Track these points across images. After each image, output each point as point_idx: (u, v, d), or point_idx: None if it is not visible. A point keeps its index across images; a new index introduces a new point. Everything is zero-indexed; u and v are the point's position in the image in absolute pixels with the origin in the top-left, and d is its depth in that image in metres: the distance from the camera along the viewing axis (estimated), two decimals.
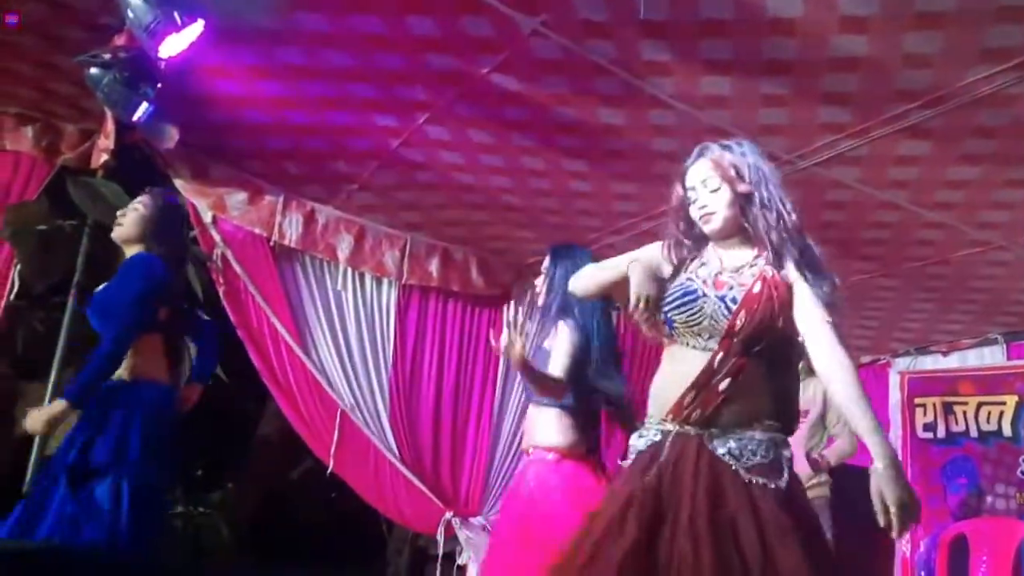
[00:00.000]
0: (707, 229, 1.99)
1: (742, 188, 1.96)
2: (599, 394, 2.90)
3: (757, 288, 1.87)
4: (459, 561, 4.56)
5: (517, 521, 2.81)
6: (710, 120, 3.01)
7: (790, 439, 1.92)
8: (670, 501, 1.78)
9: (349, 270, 4.30)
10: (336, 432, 4.19)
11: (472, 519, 4.53)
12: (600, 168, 3.49)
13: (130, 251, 2.87)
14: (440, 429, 4.50)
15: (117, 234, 2.89)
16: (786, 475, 1.81)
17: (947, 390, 5.19)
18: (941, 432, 5.17)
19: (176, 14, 2.39)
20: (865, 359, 5.77)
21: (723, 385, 1.84)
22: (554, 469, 2.82)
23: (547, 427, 2.87)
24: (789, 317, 1.88)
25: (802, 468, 4.06)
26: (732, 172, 1.97)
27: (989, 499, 4.82)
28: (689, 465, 1.81)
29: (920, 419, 5.29)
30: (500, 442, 4.68)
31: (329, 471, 4.17)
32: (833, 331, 1.85)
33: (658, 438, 1.89)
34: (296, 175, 3.90)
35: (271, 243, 4.03)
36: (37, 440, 3.35)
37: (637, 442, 1.95)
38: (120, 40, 2.79)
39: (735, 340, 1.84)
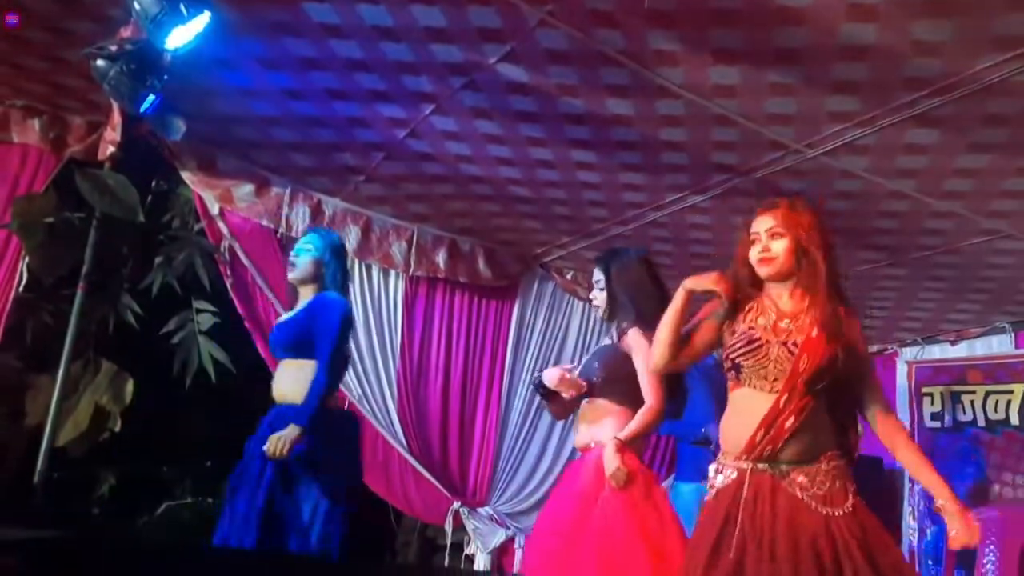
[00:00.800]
0: (763, 272, 2.17)
1: (802, 238, 2.14)
2: None
3: (815, 333, 2.06)
4: (467, 551, 4.58)
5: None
6: (718, 110, 2.99)
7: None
8: (752, 533, 1.97)
9: (356, 262, 4.30)
10: None
11: (480, 509, 4.56)
12: (608, 158, 3.48)
13: (305, 289, 3.07)
14: (448, 420, 4.52)
15: (293, 276, 3.09)
16: (851, 500, 2.01)
17: (955, 379, 5.18)
18: (948, 421, 5.16)
19: (182, 5, 2.38)
20: (873, 348, 5.76)
21: (788, 423, 2.02)
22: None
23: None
24: (848, 358, 2.08)
25: None
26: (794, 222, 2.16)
27: (997, 488, 4.82)
28: (766, 501, 2.00)
29: (927, 408, 5.28)
30: (508, 432, 4.69)
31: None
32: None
33: (735, 475, 2.08)
34: (303, 167, 3.90)
35: (278, 235, 4.03)
36: (48, 431, 3.37)
37: (716, 479, 2.13)
38: (126, 32, 2.78)
39: (798, 381, 2.03)
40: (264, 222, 3.98)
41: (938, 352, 5.40)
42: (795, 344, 2.07)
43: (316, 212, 4.12)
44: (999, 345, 5.06)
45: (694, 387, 4.13)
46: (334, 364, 2.92)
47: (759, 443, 2.04)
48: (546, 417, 4.82)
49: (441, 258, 4.48)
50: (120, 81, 2.75)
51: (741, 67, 2.76)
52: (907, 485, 5.29)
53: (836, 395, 2.12)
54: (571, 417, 4.85)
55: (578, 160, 3.52)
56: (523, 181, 3.78)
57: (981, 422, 4.98)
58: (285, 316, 3.20)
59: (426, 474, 4.40)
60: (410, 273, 4.42)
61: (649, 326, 2.61)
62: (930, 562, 4.99)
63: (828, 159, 3.26)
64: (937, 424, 5.22)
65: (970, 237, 3.84)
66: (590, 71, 2.86)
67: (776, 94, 2.89)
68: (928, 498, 5.04)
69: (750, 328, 2.14)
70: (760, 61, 2.71)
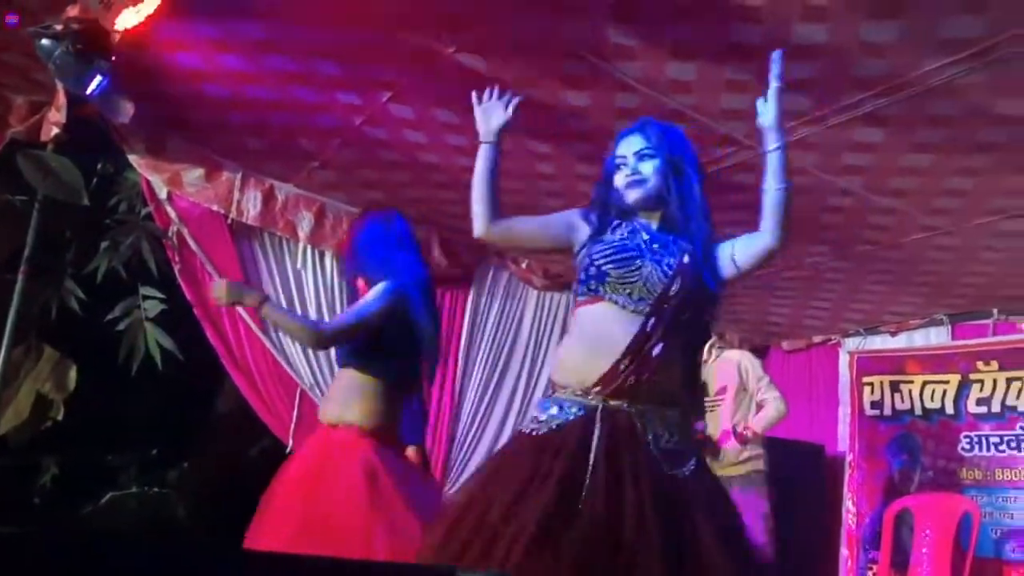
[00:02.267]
0: (632, 195, 2.00)
1: (675, 162, 2.00)
2: None
3: (687, 259, 1.92)
4: None
5: None
6: (675, 104, 3.03)
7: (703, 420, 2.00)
8: (604, 485, 1.70)
9: (309, 248, 4.26)
10: (295, 411, 4.17)
11: None
12: (565, 149, 3.50)
13: None
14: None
15: None
16: (693, 461, 1.81)
17: (894, 369, 5.34)
18: (888, 410, 5.32)
19: None
20: (817, 339, 5.92)
21: (657, 350, 1.79)
22: None
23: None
24: (710, 292, 1.94)
25: (731, 447, 4.17)
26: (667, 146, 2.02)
27: (931, 474, 4.99)
28: (624, 448, 1.74)
29: (868, 397, 5.43)
30: (461, 421, 4.71)
31: (288, 450, 4.15)
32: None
33: (581, 413, 1.79)
34: (256, 151, 3.83)
35: (229, 220, 3.97)
36: None
37: (550, 413, 1.83)
38: (73, 11, 2.70)
39: (667, 306, 1.84)
40: (214, 207, 3.91)
41: (879, 343, 5.57)
42: (669, 265, 1.90)
43: (268, 197, 4.06)
44: (937, 337, 5.24)
45: None
46: None
47: (622, 372, 1.77)
48: (500, 404, 4.86)
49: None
50: (66, 61, 2.68)
51: (698, 63, 2.80)
52: (847, 472, 5.45)
53: (692, 336, 1.93)
54: (526, 402, 4.92)
55: (535, 151, 3.53)
56: None
57: (918, 411, 5.15)
58: None
59: None
60: None
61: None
62: (867, 546, 5.15)
63: None
64: (877, 412, 5.38)
65: (912, 233, 3.96)
66: (549, 62, 2.87)
67: (731, 90, 2.93)
68: (864, 485, 5.22)
69: (621, 239, 1.97)
70: (716, 58, 2.75)
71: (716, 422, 4.25)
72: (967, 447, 4.86)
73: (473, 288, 4.82)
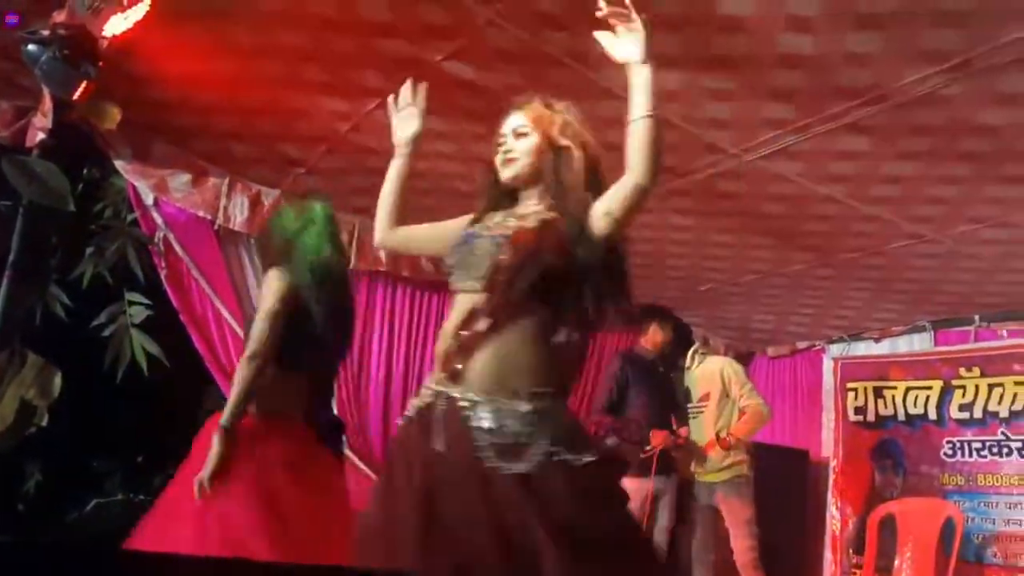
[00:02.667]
0: (505, 173, 1.90)
1: (552, 139, 1.88)
2: None
3: (531, 223, 1.77)
4: None
5: None
6: (659, 112, 3.04)
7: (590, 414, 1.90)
8: (411, 483, 1.63)
9: None
10: None
11: None
12: None
13: None
14: (389, 415, 4.50)
15: None
16: (541, 455, 1.59)
17: (877, 375, 5.40)
18: (871, 416, 5.37)
19: None
20: (801, 345, 5.97)
21: (483, 324, 1.67)
22: None
23: None
24: (564, 259, 1.72)
25: (716, 454, 4.21)
26: (547, 123, 1.90)
27: (914, 480, 5.04)
28: (440, 440, 1.64)
29: (851, 403, 5.49)
30: None
31: None
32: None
33: (430, 400, 1.72)
34: (242, 157, 3.83)
35: (215, 226, 3.96)
36: None
37: (414, 402, 1.79)
38: (60, 17, 2.70)
39: (501, 277, 1.69)
40: (201, 213, 3.89)
41: (863, 349, 5.63)
42: (504, 236, 1.76)
43: (255, 203, 4.05)
44: (920, 343, 5.30)
45: (634, 385, 4.23)
46: None
47: (453, 355, 1.69)
48: None
49: (383, 252, 4.46)
50: (53, 67, 2.67)
51: (682, 72, 2.82)
52: (831, 477, 5.49)
53: (551, 314, 1.71)
54: None
55: None
56: (466, 176, 3.78)
57: (901, 416, 5.20)
58: None
59: (366, 470, 4.38)
60: (351, 267, 4.38)
61: None
62: (851, 551, 5.19)
63: (763, 163, 3.36)
64: (860, 418, 5.43)
65: (895, 240, 4.01)
66: (536, 71, 2.89)
67: (715, 100, 2.96)
68: (848, 490, 5.25)
69: (473, 228, 1.88)
70: (700, 67, 2.78)
71: (700, 428, 4.28)
72: (949, 452, 4.91)
73: None
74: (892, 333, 5.43)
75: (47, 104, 3.19)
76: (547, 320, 1.71)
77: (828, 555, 5.34)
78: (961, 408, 4.90)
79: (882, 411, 5.32)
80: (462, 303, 1.76)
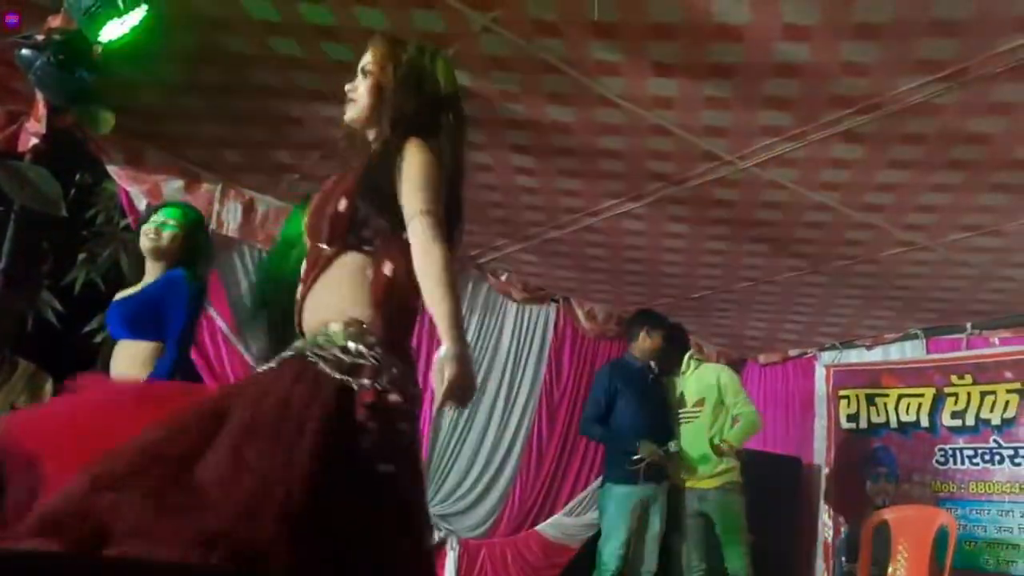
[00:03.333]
0: (347, 114, 1.85)
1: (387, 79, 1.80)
2: None
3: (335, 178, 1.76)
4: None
5: None
6: (656, 120, 3.06)
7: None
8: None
9: None
10: None
11: None
12: (546, 164, 3.52)
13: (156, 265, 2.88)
14: None
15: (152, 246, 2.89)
16: (343, 371, 1.54)
17: (870, 382, 5.41)
18: (864, 423, 5.39)
19: None
20: (793, 352, 5.98)
21: (311, 277, 1.69)
22: None
23: None
24: (364, 203, 1.68)
25: (708, 461, 4.20)
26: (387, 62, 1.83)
27: (907, 487, 5.06)
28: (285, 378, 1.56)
29: (844, 410, 5.50)
30: (441, 434, 4.71)
31: None
32: (428, 221, 1.62)
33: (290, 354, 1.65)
34: (236, 163, 3.81)
35: (208, 232, 3.93)
36: None
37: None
38: (54, 22, 2.68)
39: (318, 228, 1.70)
40: None
41: (855, 356, 5.64)
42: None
43: (248, 209, 4.04)
44: (912, 350, 5.32)
45: (623, 394, 4.22)
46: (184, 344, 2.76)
47: (299, 309, 1.70)
48: (479, 419, 4.85)
49: None
50: (46, 72, 2.66)
51: (679, 80, 2.83)
52: (823, 484, 5.50)
53: (376, 248, 1.68)
54: (506, 414, 4.91)
55: (517, 165, 3.55)
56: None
57: (894, 424, 5.22)
58: (127, 292, 2.91)
59: None
60: None
61: None
62: (844, 558, 5.20)
63: (758, 171, 3.37)
64: (853, 425, 5.45)
65: (887, 248, 4.02)
66: (532, 78, 2.89)
67: (711, 107, 2.97)
68: (841, 497, 5.26)
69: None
70: (697, 75, 2.79)
71: (693, 434, 4.27)
72: (942, 460, 4.93)
73: None
74: (884, 340, 5.44)
75: (40, 109, 3.17)
76: (364, 258, 1.68)
77: (820, 562, 5.35)
78: (953, 415, 4.92)
79: (874, 418, 5.33)
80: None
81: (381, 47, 1.85)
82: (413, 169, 1.67)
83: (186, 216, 2.92)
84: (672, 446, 4.10)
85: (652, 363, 4.37)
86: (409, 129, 1.73)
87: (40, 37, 2.62)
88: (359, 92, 1.82)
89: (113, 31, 2.38)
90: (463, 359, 1.52)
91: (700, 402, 4.33)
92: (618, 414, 4.21)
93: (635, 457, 4.02)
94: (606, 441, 4.29)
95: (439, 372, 1.49)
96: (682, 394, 4.40)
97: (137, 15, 2.36)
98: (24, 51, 2.66)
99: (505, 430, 4.93)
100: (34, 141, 3.24)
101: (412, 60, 1.83)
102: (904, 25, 2.44)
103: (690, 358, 4.50)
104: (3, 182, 3.36)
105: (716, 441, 4.18)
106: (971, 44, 2.50)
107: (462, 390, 1.52)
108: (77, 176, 3.83)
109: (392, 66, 1.81)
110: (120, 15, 2.32)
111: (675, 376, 4.44)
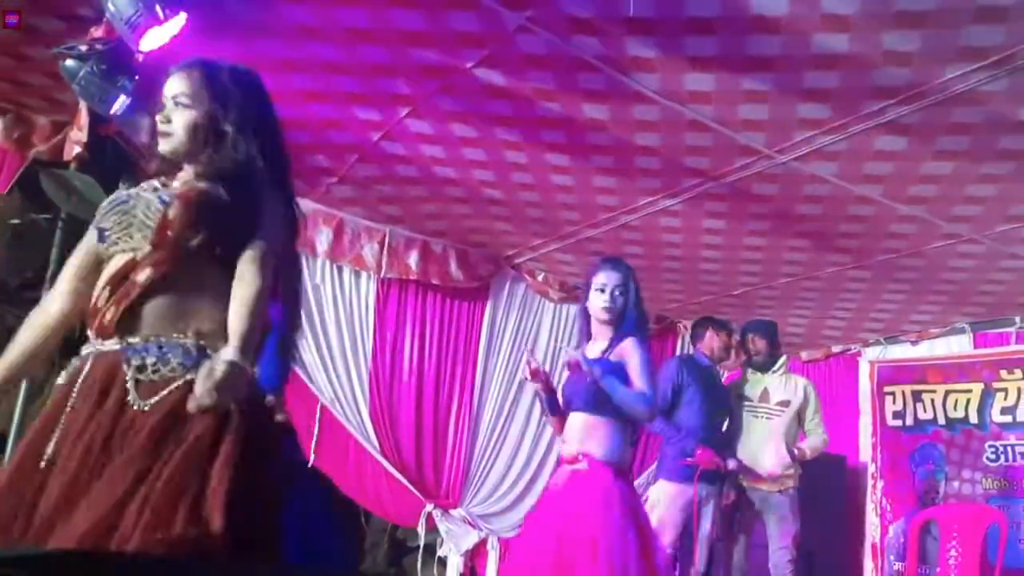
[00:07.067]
0: (162, 148, 1.76)
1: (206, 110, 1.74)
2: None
3: (197, 185, 1.69)
4: (440, 553, 4.58)
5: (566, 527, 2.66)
6: (693, 115, 3.03)
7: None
8: (71, 435, 1.51)
9: (327, 263, 4.27)
10: (316, 426, 4.18)
11: (452, 511, 4.56)
12: (582, 162, 3.50)
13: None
14: (421, 422, 4.51)
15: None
16: (175, 387, 1.52)
17: (916, 378, 5.30)
18: (910, 420, 5.28)
19: (158, 7, 2.34)
20: (836, 348, 5.88)
21: (142, 276, 1.59)
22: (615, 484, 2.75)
23: (609, 440, 2.79)
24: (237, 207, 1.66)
25: (779, 460, 4.16)
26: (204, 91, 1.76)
27: (956, 484, 4.94)
28: (94, 392, 1.53)
29: (889, 407, 5.40)
30: (480, 434, 4.70)
31: (309, 464, 4.16)
32: (260, 252, 1.62)
33: (77, 363, 1.61)
34: None
35: None
36: (12, 437, 3.29)
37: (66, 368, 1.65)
38: (97, 32, 2.74)
39: (168, 233, 1.62)
40: None
41: (900, 352, 5.52)
42: (170, 195, 1.67)
43: None
44: (958, 345, 5.19)
45: (688, 388, 4.18)
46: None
47: (102, 306, 1.58)
48: (518, 419, 4.84)
49: (413, 260, 4.47)
50: (90, 81, 2.70)
51: (716, 74, 2.79)
52: (870, 483, 5.41)
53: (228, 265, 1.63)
54: (544, 417, 4.90)
55: (552, 163, 3.54)
56: (497, 183, 3.79)
57: (941, 420, 5.10)
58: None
59: (399, 476, 4.38)
60: (382, 275, 4.40)
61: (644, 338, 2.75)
62: (892, 557, 5.10)
63: (798, 164, 3.32)
64: (899, 423, 5.34)
65: (932, 241, 3.94)
66: (567, 76, 2.88)
67: (749, 101, 2.93)
68: (888, 496, 5.17)
69: (124, 192, 1.75)
70: (735, 68, 2.75)
71: (767, 429, 4.25)
72: (992, 457, 4.81)
73: (490, 302, 4.82)
74: (930, 335, 5.32)
75: (83, 118, 3.24)
76: (223, 271, 1.63)
77: (868, 562, 5.25)
78: (1003, 411, 4.80)
79: (921, 415, 5.22)
80: (118, 260, 1.65)
81: (199, 73, 1.77)
82: None
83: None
84: (731, 464, 4.05)
85: (719, 365, 4.41)
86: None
87: (83, 48, 2.67)
88: (175, 125, 1.74)
89: (154, 40, 2.42)
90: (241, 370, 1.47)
91: (784, 403, 4.32)
92: (683, 410, 4.17)
93: (689, 460, 3.97)
94: (665, 435, 4.26)
95: (208, 370, 1.45)
96: (766, 390, 4.38)
97: (177, 23, 2.40)
98: (68, 62, 2.71)
99: (543, 430, 4.91)
100: (78, 150, 3.31)
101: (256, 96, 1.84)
102: (947, 11, 2.39)
103: (784, 360, 4.50)
104: (49, 190, 3.44)
105: (791, 447, 4.20)
106: (1017, 30, 2.43)
107: (223, 393, 1.44)
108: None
109: (218, 103, 1.74)
110: (160, 24, 2.36)
111: (764, 372, 4.41)
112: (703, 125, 3.09)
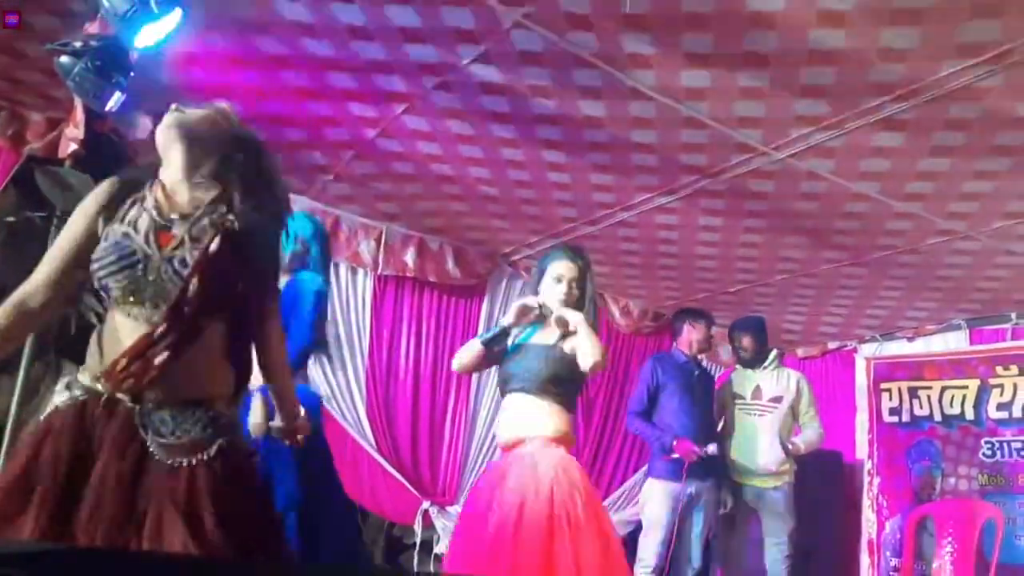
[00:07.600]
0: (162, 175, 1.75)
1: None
2: None
3: (215, 246, 1.62)
4: (436, 550, 4.58)
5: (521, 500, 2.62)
6: (689, 112, 3.03)
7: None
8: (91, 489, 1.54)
9: None
10: None
11: (449, 508, 4.55)
12: (579, 159, 3.50)
13: None
14: (418, 419, 4.51)
15: None
16: (212, 450, 1.60)
17: (912, 375, 5.30)
18: (906, 416, 5.28)
19: (153, 3, 2.33)
20: (832, 345, 5.89)
21: (160, 359, 1.57)
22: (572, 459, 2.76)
23: (556, 418, 2.79)
24: (255, 274, 1.70)
25: (773, 456, 4.16)
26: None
27: (952, 481, 4.95)
28: (105, 434, 1.58)
29: (886, 403, 5.40)
30: (477, 431, 4.70)
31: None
32: (280, 327, 1.83)
33: (84, 398, 1.62)
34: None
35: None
36: (8, 434, 3.29)
37: (62, 396, 1.65)
38: (92, 28, 2.72)
39: (186, 310, 1.59)
40: None
41: (896, 348, 5.53)
42: (183, 263, 1.61)
43: None
44: (955, 342, 5.20)
45: (666, 387, 4.18)
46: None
47: (120, 373, 1.57)
48: None
49: (410, 257, 4.47)
50: (85, 78, 2.68)
51: (712, 70, 2.79)
52: (866, 479, 5.41)
53: (240, 325, 1.70)
54: None
55: (549, 160, 3.53)
56: (493, 180, 3.79)
57: (937, 417, 5.11)
58: None
59: (395, 474, 4.38)
60: (378, 272, 4.40)
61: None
62: (888, 554, 5.11)
63: (795, 161, 3.32)
64: (895, 419, 5.34)
65: (929, 237, 3.94)
66: (563, 73, 2.87)
67: (746, 97, 2.93)
68: (884, 492, 5.17)
69: (124, 235, 1.65)
70: (731, 65, 2.75)
71: (762, 427, 4.25)
72: (988, 453, 4.81)
73: (486, 299, 4.82)
74: (926, 332, 5.33)
75: (79, 115, 3.23)
76: (234, 334, 1.70)
77: (865, 558, 5.26)
78: (999, 407, 4.81)
79: (917, 411, 5.23)
80: (132, 330, 1.61)
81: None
82: None
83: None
84: (711, 449, 4.03)
85: (699, 357, 4.39)
86: None
87: (78, 44, 2.66)
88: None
89: (149, 36, 2.40)
90: None
91: (777, 399, 4.33)
92: (661, 409, 4.17)
93: (673, 456, 3.98)
94: (646, 436, 4.26)
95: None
96: (758, 386, 4.37)
97: (172, 19, 2.39)
98: (63, 58, 2.70)
99: None
100: (73, 147, 3.30)
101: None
102: (943, 8, 2.38)
103: (775, 356, 4.49)
104: (45, 188, 3.43)
105: (784, 442, 4.19)
106: (1014, 25, 2.43)
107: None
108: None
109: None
110: (155, 19, 2.35)
111: (754, 369, 4.41)
112: (699, 122, 3.09)
